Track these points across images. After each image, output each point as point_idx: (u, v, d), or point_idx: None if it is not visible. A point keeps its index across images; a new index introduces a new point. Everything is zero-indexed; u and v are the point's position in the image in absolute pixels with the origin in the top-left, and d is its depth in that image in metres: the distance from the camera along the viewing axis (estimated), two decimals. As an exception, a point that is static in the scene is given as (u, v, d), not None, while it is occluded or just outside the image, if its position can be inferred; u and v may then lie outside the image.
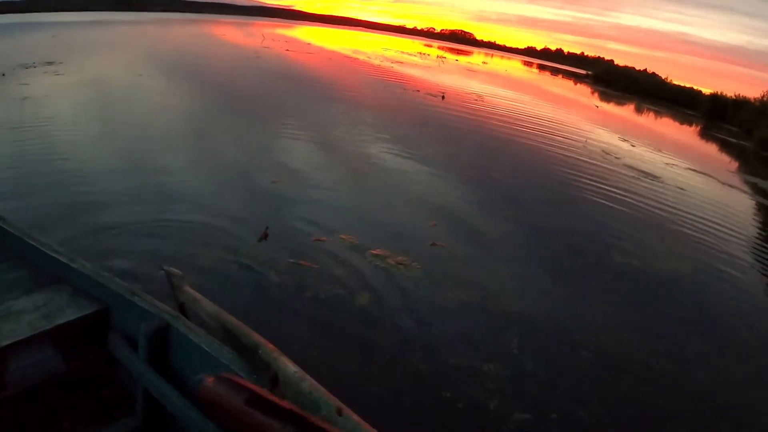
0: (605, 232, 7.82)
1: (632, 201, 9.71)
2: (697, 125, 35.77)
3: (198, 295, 3.56)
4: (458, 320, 4.62)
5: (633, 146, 16.59)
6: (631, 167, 12.73)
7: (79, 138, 9.04)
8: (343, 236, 5.89)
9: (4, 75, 14.54)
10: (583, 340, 4.68)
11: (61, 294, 3.46)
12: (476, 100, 20.65)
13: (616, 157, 13.60)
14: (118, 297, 3.30)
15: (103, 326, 3.37)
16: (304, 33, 76.62)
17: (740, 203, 12.26)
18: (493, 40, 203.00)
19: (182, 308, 3.75)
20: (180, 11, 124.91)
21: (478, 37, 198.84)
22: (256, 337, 2.93)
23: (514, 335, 4.54)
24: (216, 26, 67.85)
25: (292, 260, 5.16)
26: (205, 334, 2.96)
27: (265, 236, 5.62)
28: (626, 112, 34.41)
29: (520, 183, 9.70)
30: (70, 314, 3.27)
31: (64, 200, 6.28)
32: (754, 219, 11.13)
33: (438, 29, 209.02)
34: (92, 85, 14.27)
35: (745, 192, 13.90)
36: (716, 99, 46.76)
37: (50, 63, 17.58)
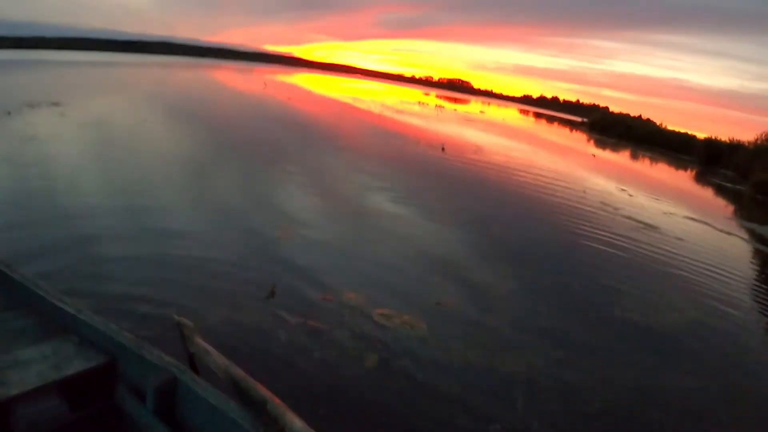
0: (605, 286, 7.86)
1: (632, 254, 9.77)
2: (692, 170, 36.06)
3: (208, 347, 3.65)
4: (464, 381, 4.63)
5: (631, 195, 16.71)
6: (629, 218, 12.81)
7: (83, 183, 9.10)
8: (349, 294, 5.92)
9: (10, 113, 14.68)
10: (587, 400, 4.70)
11: (69, 345, 3.49)
12: (475, 151, 20.87)
13: (614, 208, 13.69)
14: (126, 349, 3.34)
15: (110, 377, 3.39)
16: (305, 80, 77.46)
17: (738, 251, 12.32)
18: (490, 89, 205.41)
19: (192, 359, 3.89)
20: (184, 55, 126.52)
21: (476, 86, 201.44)
22: (264, 392, 3.00)
23: (519, 395, 4.55)
24: (218, 71, 68.63)
25: (300, 319, 5.18)
26: (213, 387, 2.99)
27: (273, 293, 5.64)
28: (622, 159, 34.71)
29: (520, 236, 9.78)
30: (78, 365, 3.28)
31: (66, 243, 6.34)
32: (752, 266, 11.19)
33: (436, 78, 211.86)
34: (96, 128, 14.47)
35: (742, 239, 13.95)
36: (711, 144, 47.06)
37: (56, 103, 17.77)
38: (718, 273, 9.74)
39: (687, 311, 7.37)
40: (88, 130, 14.00)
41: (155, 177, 10.13)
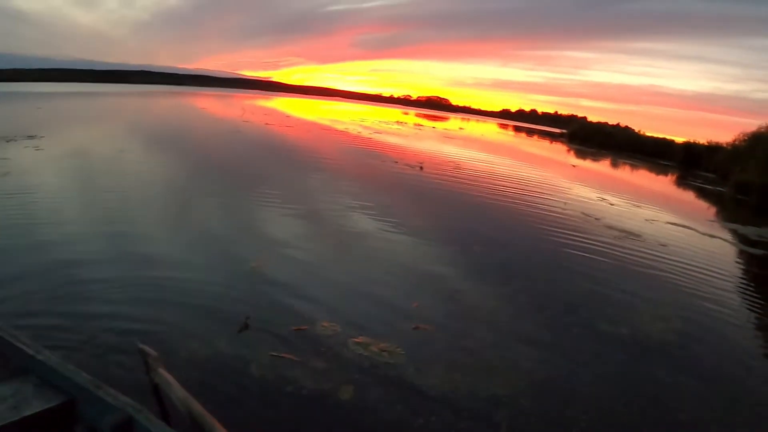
0: (590, 298, 7.73)
1: (616, 263, 9.66)
2: (672, 175, 36.20)
3: (171, 379, 3.68)
4: (445, 408, 4.45)
5: (612, 204, 16.68)
6: (612, 227, 12.72)
7: (59, 217, 8.94)
8: (324, 324, 5.72)
9: None
10: (574, 418, 4.54)
11: (28, 385, 3.47)
12: (455, 168, 20.78)
13: (596, 218, 13.62)
14: (84, 390, 3.34)
15: (69, 418, 3.40)
16: (283, 104, 77.61)
17: (723, 253, 12.24)
18: (468, 105, 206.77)
19: (156, 389, 3.93)
20: (162, 83, 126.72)
21: (454, 102, 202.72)
22: (221, 430, 3.06)
23: (503, 418, 4.39)
24: (197, 98, 68.64)
25: (273, 353, 4.99)
26: (168, 427, 3.03)
27: (246, 327, 5.45)
28: (603, 167, 34.78)
29: (502, 252, 9.62)
30: (36, 406, 3.28)
31: (42, 279, 6.16)
32: (738, 268, 11.12)
33: (414, 96, 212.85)
34: (73, 161, 14.29)
35: (726, 240, 13.91)
36: (690, 147, 47.59)
37: (31, 137, 17.58)
38: (704, 276, 9.67)
39: (674, 320, 7.23)
40: (65, 163, 13.81)
41: (131, 208, 9.91)
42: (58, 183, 11.47)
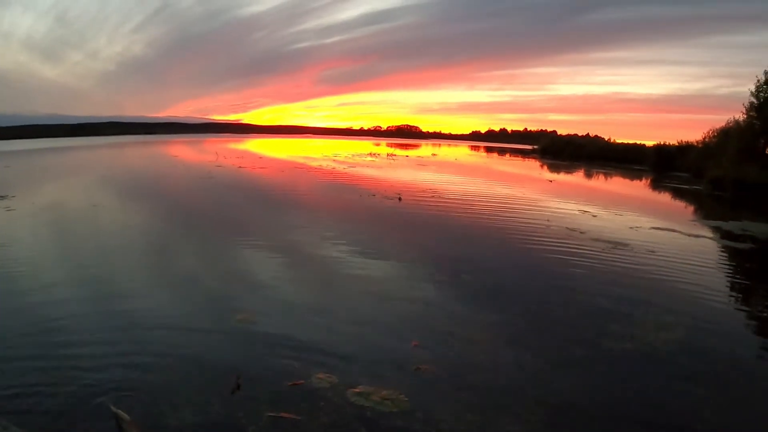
0: (589, 315, 7.54)
1: (608, 276, 9.52)
2: (647, 178, 36.43)
3: None
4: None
5: (594, 216, 16.58)
6: (598, 239, 12.59)
7: (35, 278, 8.77)
8: (320, 375, 5.41)
9: None
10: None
11: None
12: (433, 195, 20.65)
13: (581, 232, 13.46)
14: None
15: None
16: (255, 145, 77.63)
17: (711, 252, 12.19)
18: (438, 130, 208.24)
19: None
20: (133, 133, 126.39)
21: (424, 129, 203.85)
22: None
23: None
24: (169, 146, 68.57)
25: (271, 413, 4.69)
26: None
27: (238, 387, 5.12)
28: (578, 179, 34.87)
29: (492, 278, 9.36)
30: None
31: (18, 338, 6.13)
32: (729, 265, 11.06)
33: (384, 126, 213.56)
34: (47, 219, 14.08)
35: (711, 239, 13.89)
36: (661, 149, 47.99)
37: (2, 197, 17.25)
38: (696, 278, 9.63)
39: (676, 328, 7.07)
40: (39, 223, 13.60)
41: (109, 263, 9.70)
42: (33, 243, 11.22)
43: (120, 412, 3.95)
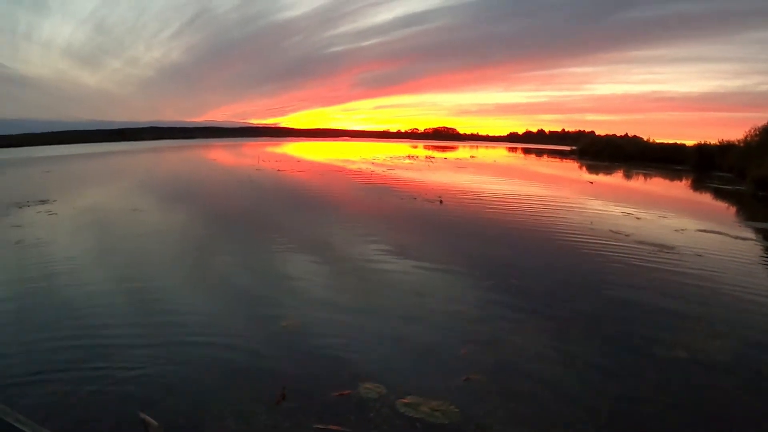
0: (638, 322, 7.26)
1: (656, 281, 9.19)
2: (688, 179, 35.58)
3: None
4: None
5: (638, 218, 16.16)
6: (642, 242, 12.24)
7: (76, 282, 8.84)
8: (368, 385, 5.28)
9: None
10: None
11: None
12: (474, 197, 20.43)
13: (625, 235, 13.13)
14: None
15: None
16: (293, 149, 77.96)
17: (758, 256, 11.72)
18: (476, 132, 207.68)
19: None
20: (172, 138, 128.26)
21: (461, 131, 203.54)
22: None
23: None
24: (207, 150, 69.32)
25: (318, 425, 4.57)
26: None
27: (283, 397, 5.02)
28: (618, 180, 34.17)
29: (539, 282, 9.10)
30: None
31: (58, 343, 6.17)
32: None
33: (422, 129, 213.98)
34: (87, 224, 14.23)
35: (757, 241, 13.46)
36: (701, 149, 47.04)
37: (43, 201, 17.64)
38: (746, 283, 9.20)
39: (730, 336, 6.78)
40: (80, 227, 13.75)
41: (150, 269, 9.73)
42: (74, 248, 11.33)
43: (148, 417, 3.90)
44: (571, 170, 42.79)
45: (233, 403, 4.91)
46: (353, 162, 43.93)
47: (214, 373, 5.58)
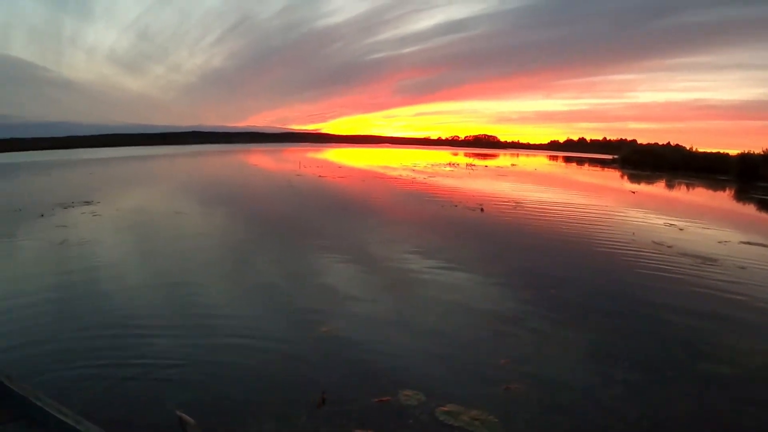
0: (679, 335, 7.09)
1: (697, 294, 8.99)
2: (731, 189, 34.86)
3: None
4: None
5: (680, 229, 15.83)
6: (685, 254, 12.00)
7: (114, 282, 9.01)
8: (407, 392, 5.26)
9: (42, 216, 14.81)
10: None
11: None
12: (514, 206, 20.28)
13: (668, 246, 12.87)
14: None
15: None
16: (334, 155, 78.34)
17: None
18: (516, 140, 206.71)
19: None
20: (213, 142, 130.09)
21: (502, 139, 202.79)
22: None
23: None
24: (248, 155, 70.02)
25: (357, 430, 4.58)
26: None
27: (323, 400, 5.03)
28: (661, 190, 33.56)
29: (580, 293, 8.96)
30: None
31: (98, 342, 6.29)
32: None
33: (462, 136, 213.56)
34: (130, 226, 14.43)
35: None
36: (745, 158, 46.12)
37: (87, 202, 18.02)
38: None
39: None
40: (123, 229, 13.99)
41: (191, 271, 9.84)
42: (117, 248, 11.55)
43: (185, 415, 3.93)
44: (613, 179, 42.20)
45: (273, 406, 4.94)
46: (394, 169, 43.93)
47: (253, 374, 5.63)
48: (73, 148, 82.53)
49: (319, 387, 5.28)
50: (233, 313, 7.64)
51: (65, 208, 16.93)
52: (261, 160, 58.79)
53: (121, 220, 15.06)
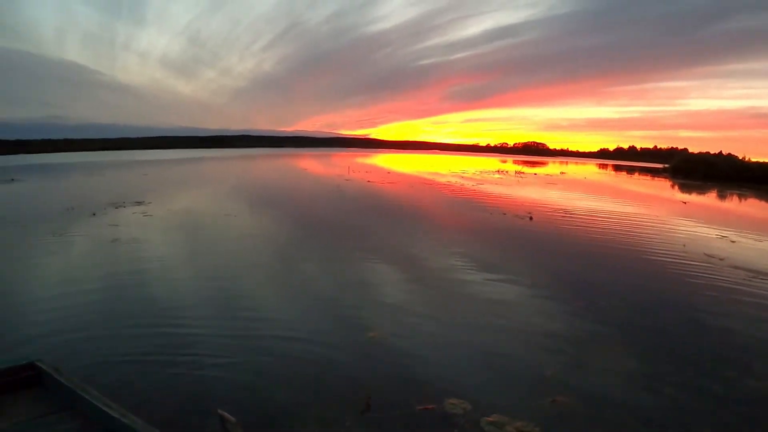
0: (729, 352, 6.89)
1: (751, 310, 8.68)
2: (787, 201, 33.87)
3: None
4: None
5: (733, 241, 15.36)
6: (738, 267, 11.62)
7: (162, 281, 9.21)
8: (452, 401, 5.20)
9: (94, 214, 15.11)
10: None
11: None
12: (563, 215, 19.98)
13: (719, 258, 12.47)
14: None
15: None
16: (383, 160, 78.39)
17: None
18: (566, 147, 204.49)
19: None
20: (263, 146, 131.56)
21: (551, 146, 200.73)
22: None
23: None
24: (297, 159, 70.56)
25: (403, 436, 4.54)
26: None
27: (368, 406, 5.02)
28: (713, 200, 32.68)
29: (629, 305, 8.75)
30: None
31: (151, 343, 6.41)
32: None
33: (511, 143, 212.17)
34: (181, 227, 14.66)
35: None
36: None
37: (139, 203, 18.35)
38: None
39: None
40: (172, 229, 14.28)
41: (239, 273, 9.96)
42: (167, 248, 11.82)
43: (226, 414, 4.03)
44: (663, 189, 41.27)
45: (317, 409, 4.95)
46: (442, 175, 43.84)
47: (298, 377, 5.66)
48: (125, 149, 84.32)
49: (364, 391, 5.29)
50: (279, 314, 7.73)
51: (117, 207, 17.34)
52: (310, 164, 59.25)
53: (171, 221, 15.37)
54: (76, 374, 4.59)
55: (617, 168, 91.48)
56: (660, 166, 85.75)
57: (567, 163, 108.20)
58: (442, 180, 37.47)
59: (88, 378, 4.84)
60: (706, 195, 36.24)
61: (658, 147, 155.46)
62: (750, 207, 29.46)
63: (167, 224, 14.82)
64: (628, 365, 6.34)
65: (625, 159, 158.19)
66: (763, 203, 32.31)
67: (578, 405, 5.27)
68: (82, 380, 4.30)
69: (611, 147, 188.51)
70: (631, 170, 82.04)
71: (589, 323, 7.81)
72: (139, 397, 4.89)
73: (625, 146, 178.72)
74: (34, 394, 4.20)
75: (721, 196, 35.52)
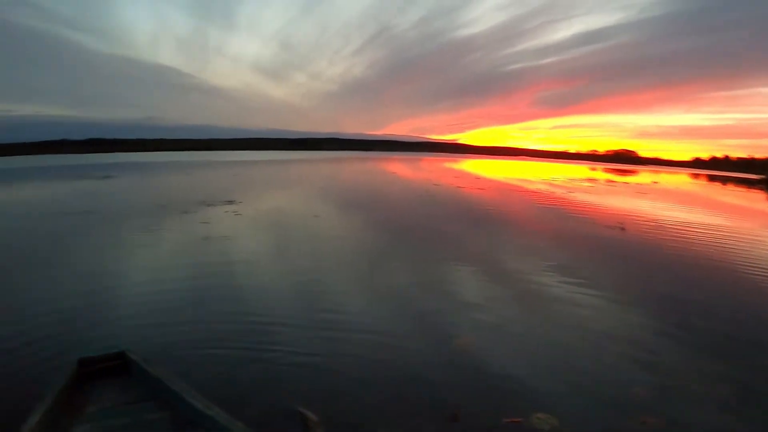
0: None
1: None
2: None
3: None
4: None
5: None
6: None
7: (249, 278, 9.44)
8: (540, 415, 5.08)
9: (186, 212, 15.65)
10: None
11: None
12: (656, 226, 19.33)
13: (822, 278, 11.81)
14: None
15: None
16: (471, 166, 77.87)
17: None
18: (657, 156, 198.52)
19: None
20: (351, 149, 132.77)
21: (642, 155, 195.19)
22: None
23: None
24: (386, 163, 70.62)
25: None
26: None
27: (456, 417, 4.97)
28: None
29: (725, 324, 8.32)
30: None
31: (236, 337, 6.64)
32: None
33: (601, 151, 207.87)
34: (270, 226, 15.05)
35: None
36: None
37: (230, 202, 18.91)
38: None
39: None
40: (261, 228, 14.70)
41: (325, 275, 10.09)
42: (255, 246, 12.14)
43: (306, 411, 4.09)
44: (760, 201, 39.70)
45: (402, 416, 4.93)
46: (531, 182, 43.33)
47: (382, 379, 5.69)
48: (216, 150, 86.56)
49: (449, 399, 5.27)
50: (365, 316, 7.80)
51: (209, 206, 17.97)
52: (398, 168, 59.42)
53: (260, 220, 15.82)
54: (163, 365, 4.77)
55: (711, 178, 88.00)
56: (756, 177, 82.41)
57: (658, 172, 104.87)
58: (532, 187, 36.98)
59: (174, 369, 5.01)
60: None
61: (754, 157, 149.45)
62: None
63: (256, 223, 15.26)
64: (724, 390, 6.01)
65: (718, 169, 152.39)
66: None
67: (669, 428, 5.07)
68: (169, 371, 4.47)
69: (703, 155, 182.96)
70: (724, 181, 78.83)
71: (681, 342, 7.46)
72: (222, 391, 5.04)
73: (719, 155, 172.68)
74: (122, 382, 4.40)
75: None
